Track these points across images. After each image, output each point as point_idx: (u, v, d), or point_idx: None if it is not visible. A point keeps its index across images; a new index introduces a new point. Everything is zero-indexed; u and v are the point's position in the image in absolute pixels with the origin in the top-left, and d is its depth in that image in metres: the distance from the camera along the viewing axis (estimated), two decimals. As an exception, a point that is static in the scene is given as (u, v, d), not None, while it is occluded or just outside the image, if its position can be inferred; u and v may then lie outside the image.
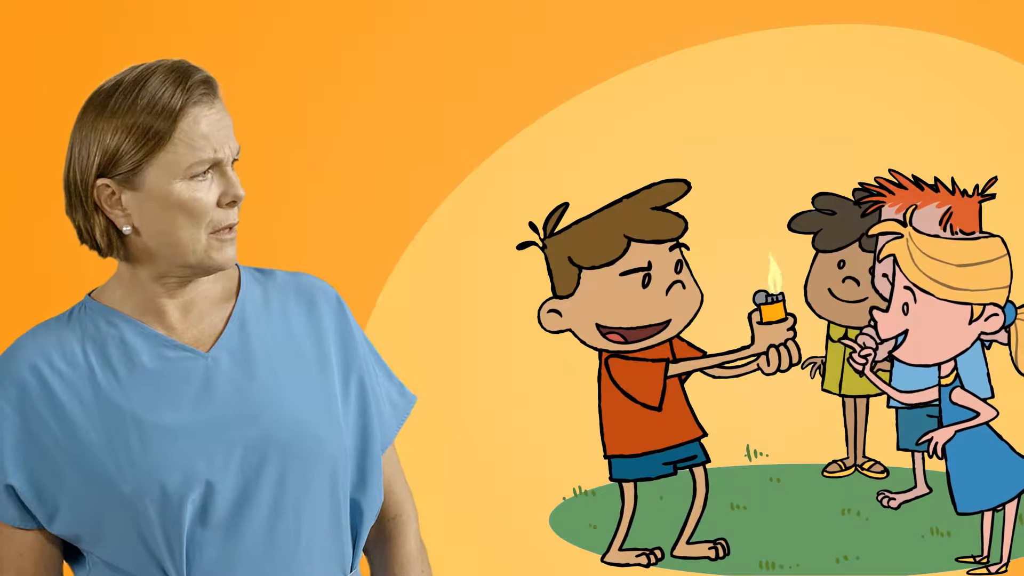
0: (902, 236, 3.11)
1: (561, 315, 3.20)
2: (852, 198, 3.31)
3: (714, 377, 3.22)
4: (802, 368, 3.43)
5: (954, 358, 3.18)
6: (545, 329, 3.20)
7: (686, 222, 3.17)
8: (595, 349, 3.21)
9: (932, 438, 3.18)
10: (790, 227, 3.36)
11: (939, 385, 3.19)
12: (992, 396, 3.18)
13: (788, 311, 3.16)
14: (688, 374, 3.22)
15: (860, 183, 3.24)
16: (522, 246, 3.17)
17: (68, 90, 3.19)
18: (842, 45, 3.29)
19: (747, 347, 3.18)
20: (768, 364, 3.17)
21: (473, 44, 3.25)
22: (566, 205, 3.16)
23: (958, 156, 3.28)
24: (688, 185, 3.16)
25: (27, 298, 3.20)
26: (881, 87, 3.30)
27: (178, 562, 1.57)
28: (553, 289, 3.20)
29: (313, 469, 1.62)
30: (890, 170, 3.22)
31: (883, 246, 3.16)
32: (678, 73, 3.29)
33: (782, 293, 3.15)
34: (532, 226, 3.17)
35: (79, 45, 3.20)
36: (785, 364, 3.17)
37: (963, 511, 3.21)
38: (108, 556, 1.60)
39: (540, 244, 3.17)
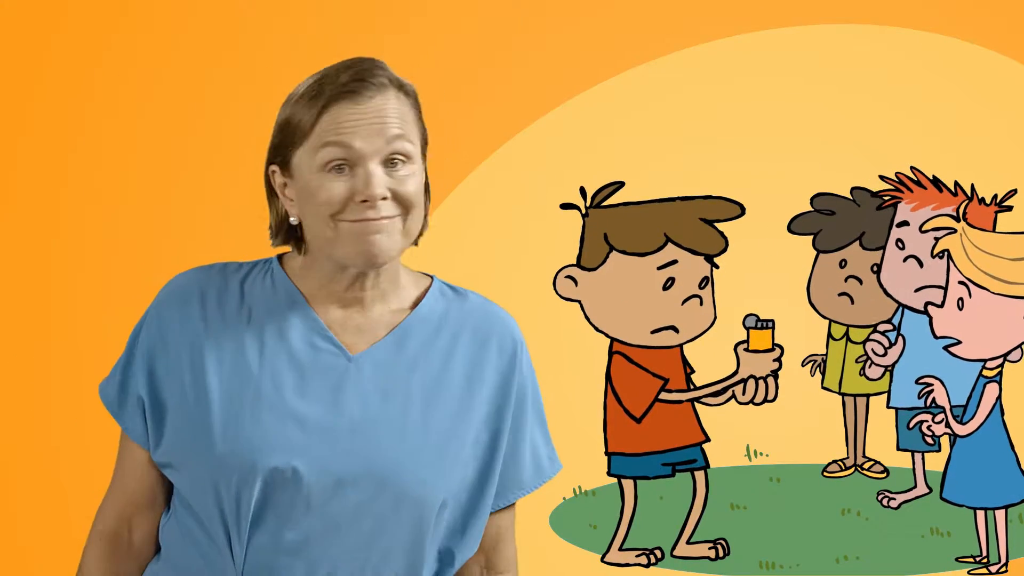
0: (955, 231, 3.10)
1: (576, 284, 3.19)
2: (851, 197, 3.32)
3: (709, 405, 3.23)
4: (802, 365, 3.43)
5: (1006, 354, 3.19)
6: (557, 292, 3.19)
7: (727, 242, 3.16)
8: (597, 329, 3.20)
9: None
10: (790, 229, 3.36)
11: (979, 376, 3.19)
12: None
13: (776, 342, 3.17)
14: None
15: (881, 175, 3.25)
16: (565, 206, 3.16)
17: (69, 90, 3.19)
18: (842, 45, 3.29)
19: (732, 375, 3.19)
20: (743, 394, 3.17)
21: (473, 44, 3.24)
22: (621, 184, 3.16)
23: (958, 156, 3.28)
24: (743, 210, 3.16)
25: (28, 298, 3.19)
26: (881, 87, 3.30)
27: (242, 536, 1.58)
28: (578, 258, 3.19)
29: (404, 507, 1.59)
30: (911, 167, 3.22)
31: (936, 241, 3.16)
32: (678, 73, 3.29)
33: (772, 320, 3.15)
34: (582, 191, 3.15)
35: (79, 45, 3.20)
36: (760, 398, 3.17)
37: (947, 498, 3.22)
38: (193, 501, 1.61)
39: (583, 211, 3.16)
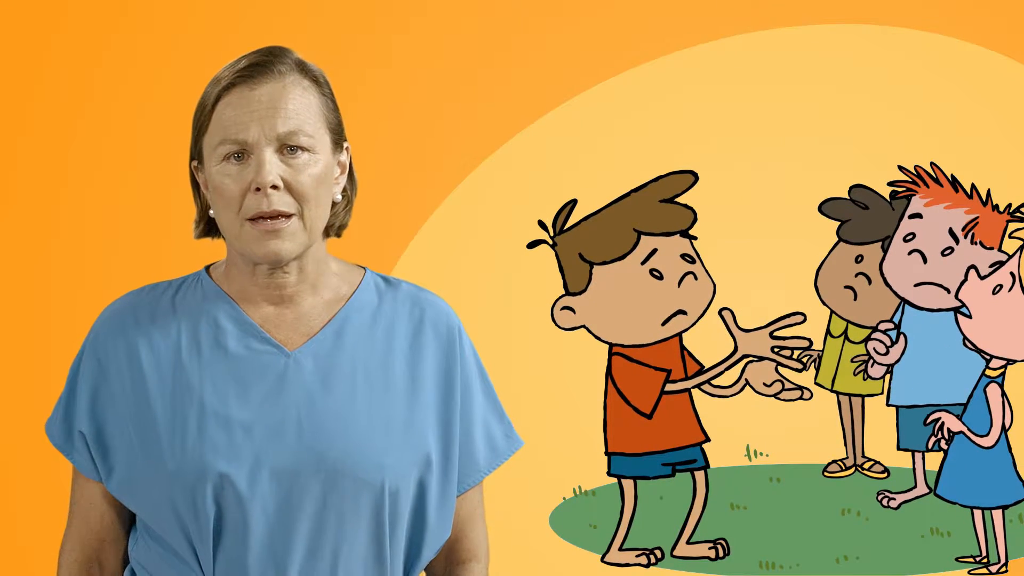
0: None
1: (575, 312, 3.19)
2: (887, 198, 3.32)
3: (710, 395, 3.23)
4: (798, 360, 3.43)
5: (1009, 361, 3.19)
6: (559, 327, 3.20)
7: (695, 213, 3.17)
8: (608, 344, 3.21)
9: (940, 419, 3.18)
10: (821, 210, 3.33)
11: (982, 375, 3.19)
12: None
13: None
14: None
15: (900, 166, 3.25)
16: (532, 244, 3.17)
17: (68, 89, 3.20)
18: (842, 45, 3.29)
19: (731, 355, 3.19)
20: (755, 379, 3.18)
21: (473, 44, 3.24)
22: (574, 202, 3.16)
23: (958, 156, 3.28)
24: (695, 176, 3.16)
25: (28, 298, 3.19)
26: (881, 87, 3.30)
27: (208, 549, 1.57)
28: (565, 287, 3.19)
29: (362, 495, 1.59)
30: (931, 163, 3.23)
31: (1016, 229, 3.16)
32: (678, 73, 3.29)
33: None
34: (542, 224, 3.16)
35: (79, 45, 3.20)
36: (771, 379, 3.18)
37: (941, 494, 3.23)
38: (153, 524, 1.61)
39: (550, 242, 3.17)
